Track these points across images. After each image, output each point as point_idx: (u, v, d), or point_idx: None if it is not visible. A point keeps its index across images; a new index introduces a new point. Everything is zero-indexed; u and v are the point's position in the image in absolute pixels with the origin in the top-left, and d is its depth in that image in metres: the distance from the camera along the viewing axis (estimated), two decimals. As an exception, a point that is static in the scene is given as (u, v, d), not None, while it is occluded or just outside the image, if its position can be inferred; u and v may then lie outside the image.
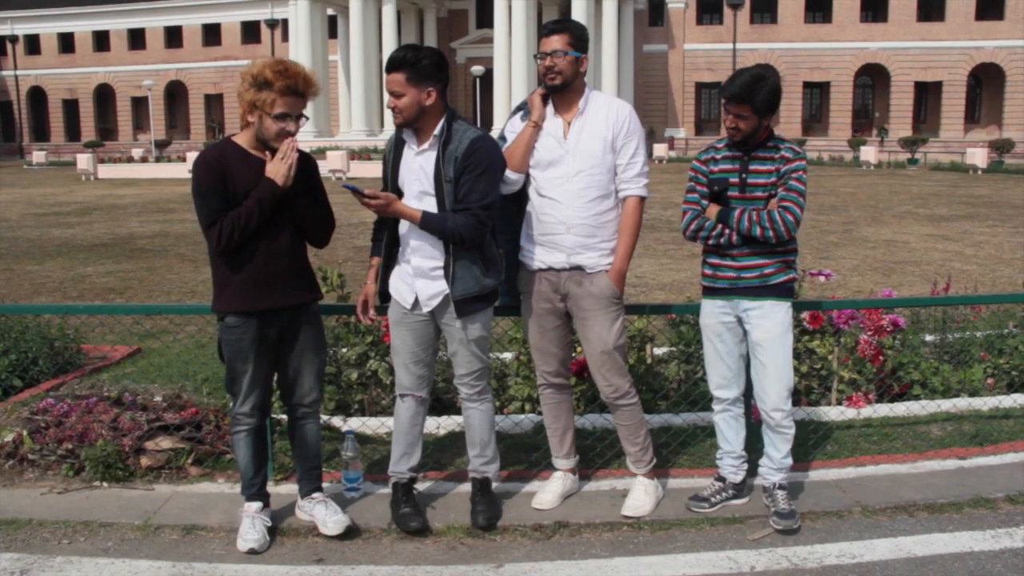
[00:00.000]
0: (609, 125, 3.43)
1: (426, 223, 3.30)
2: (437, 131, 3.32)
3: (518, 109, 3.62)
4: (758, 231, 3.37)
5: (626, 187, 3.48)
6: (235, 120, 3.64)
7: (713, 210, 3.48)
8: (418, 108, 3.28)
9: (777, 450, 3.59)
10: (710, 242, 3.50)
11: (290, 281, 3.37)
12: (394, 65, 3.27)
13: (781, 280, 3.48)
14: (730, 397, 3.64)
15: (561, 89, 3.43)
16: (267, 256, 3.28)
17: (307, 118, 3.37)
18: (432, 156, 3.33)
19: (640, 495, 3.65)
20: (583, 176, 3.42)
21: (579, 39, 3.41)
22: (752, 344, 3.53)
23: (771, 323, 3.47)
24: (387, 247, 3.53)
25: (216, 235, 3.20)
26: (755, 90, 3.31)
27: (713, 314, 3.59)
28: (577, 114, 3.46)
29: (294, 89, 3.20)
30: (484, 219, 3.29)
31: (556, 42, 3.39)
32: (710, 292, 3.59)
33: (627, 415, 3.62)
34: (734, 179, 3.46)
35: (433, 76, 3.28)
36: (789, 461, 3.63)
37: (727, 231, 3.44)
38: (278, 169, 3.22)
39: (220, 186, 3.21)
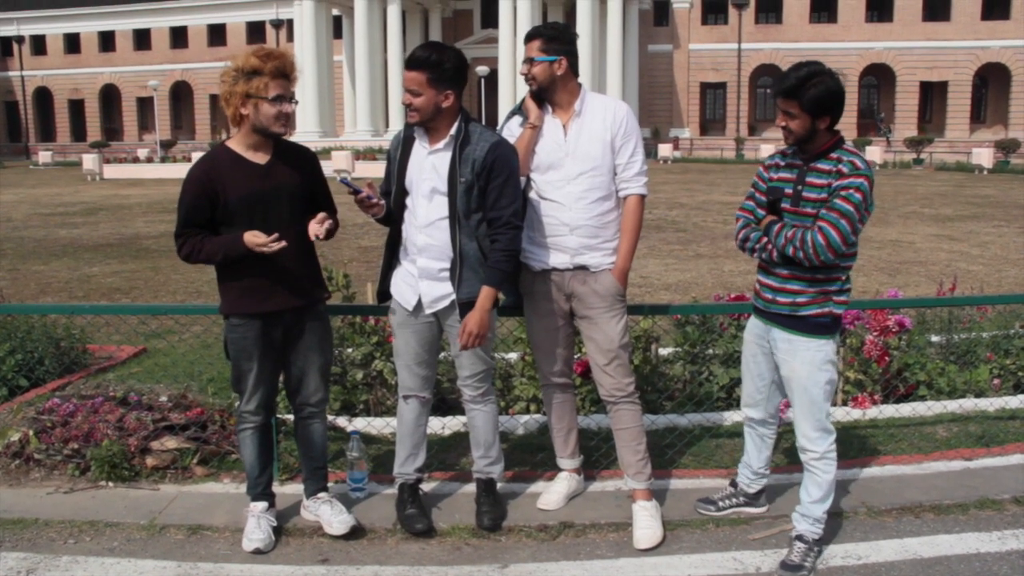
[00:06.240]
0: (607, 126, 3.42)
1: (497, 281, 3.31)
2: (454, 131, 3.31)
3: (513, 112, 3.60)
4: (791, 251, 3.05)
5: (626, 186, 3.47)
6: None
7: (766, 221, 3.21)
8: (435, 109, 3.26)
9: (808, 493, 3.25)
10: (755, 255, 3.25)
11: (294, 282, 3.37)
12: (416, 63, 3.22)
13: (812, 313, 3.12)
14: (756, 417, 3.50)
15: (542, 92, 3.43)
16: (272, 257, 3.27)
17: (297, 101, 3.38)
18: (447, 156, 3.31)
19: (647, 521, 3.47)
20: (585, 178, 3.41)
21: (552, 41, 3.38)
22: (783, 377, 3.29)
23: (798, 362, 3.17)
24: (389, 246, 3.52)
25: (179, 247, 3.30)
26: (807, 86, 2.97)
27: (752, 332, 3.39)
28: (574, 116, 3.44)
29: (283, 71, 3.21)
30: (518, 224, 3.33)
31: (529, 48, 3.41)
32: (754, 309, 3.39)
33: (630, 416, 3.57)
34: (788, 190, 3.13)
35: (453, 79, 3.26)
36: (819, 511, 3.23)
37: (770, 246, 3.15)
38: (255, 242, 3.17)
39: (202, 203, 3.24)
